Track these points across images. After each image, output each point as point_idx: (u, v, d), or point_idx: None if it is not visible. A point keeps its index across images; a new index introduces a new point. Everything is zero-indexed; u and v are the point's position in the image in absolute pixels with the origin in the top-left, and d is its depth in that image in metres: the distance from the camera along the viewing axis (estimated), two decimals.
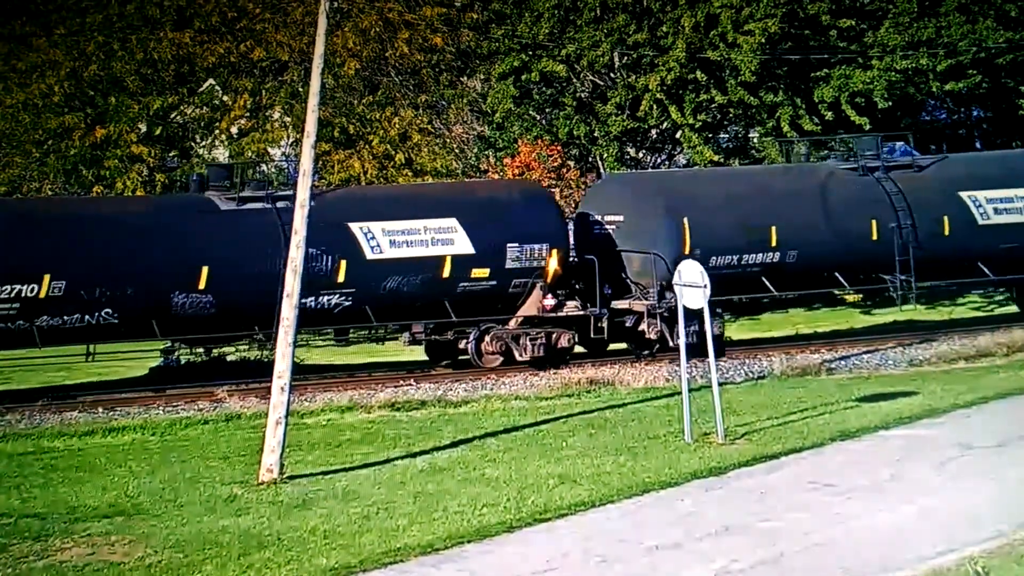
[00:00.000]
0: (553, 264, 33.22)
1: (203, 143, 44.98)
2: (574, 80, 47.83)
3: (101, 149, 42.00)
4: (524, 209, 34.09)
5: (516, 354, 33.08)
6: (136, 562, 16.96)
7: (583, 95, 48.00)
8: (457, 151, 48.14)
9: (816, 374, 31.59)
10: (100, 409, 28.79)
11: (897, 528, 17.40)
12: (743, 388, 29.91)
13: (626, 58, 46.96)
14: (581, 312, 33.42)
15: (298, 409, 27.20)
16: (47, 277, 29.03)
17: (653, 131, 48.59)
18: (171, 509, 19.73)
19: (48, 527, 18.75)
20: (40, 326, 29.25)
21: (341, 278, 31.59)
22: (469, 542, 17.37)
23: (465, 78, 50.39)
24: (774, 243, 34.74)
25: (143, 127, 43.27)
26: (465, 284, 32.79)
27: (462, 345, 33.56)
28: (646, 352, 34.21)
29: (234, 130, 44.45)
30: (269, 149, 44.14)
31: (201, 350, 33.97)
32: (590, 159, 48.25)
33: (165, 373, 33.70)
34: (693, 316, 33.59)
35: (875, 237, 35.67)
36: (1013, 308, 40.63)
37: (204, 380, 32.17)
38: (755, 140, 47.50)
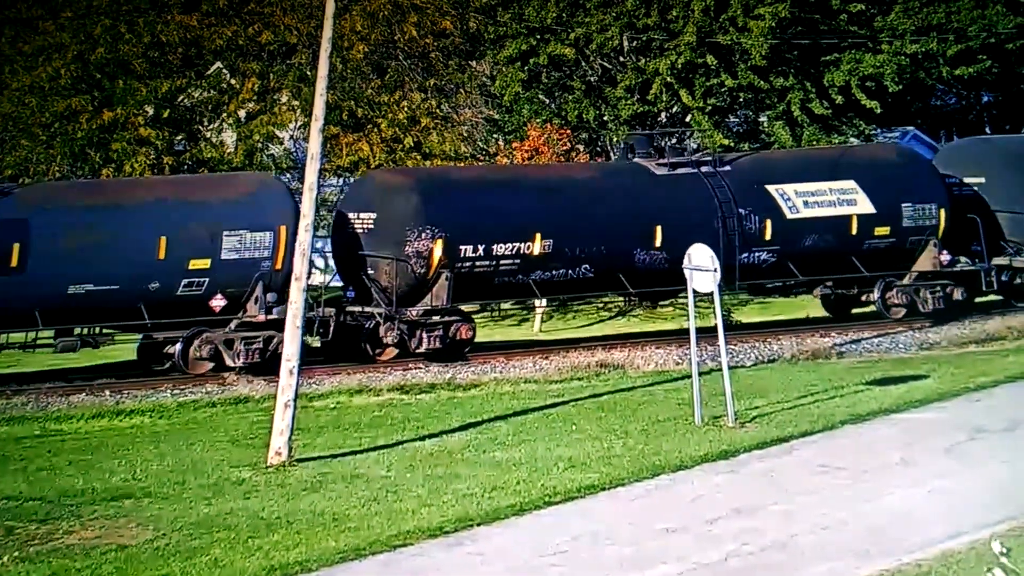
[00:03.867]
0: (944, 222, 35.72)
1: (211, 126, 44.90)
2: (583, 64, 47.69)
3: (108, 132, 41.92)
4: (911, 171, 36.98)
5: (919, 306, 35.94)
6: (144, 544, 16.88)
7: (592, 79, 47.86)
8: (466, 135, 48.02)
9: (827, 358, 31.52)
10: (107, 392, 28.70)
11: (908, 511, 17.32)
12: (754, 371, 29.82)
13: (635, 42, 46.80)
14: (972, 268, 36.11)
15: (307, 392, 27.14)
16: (538, 235, 32.24)
17: (663, 115, 48.44)
18: (179, 492, 19.66)
19: (55, 510, 18.67)
20: (534, 279, 32.43)
21: (768, 235, 34.57)
22: (479, 525, 17.29)
23: (474, 62, 50.25)
24: None
25: (150, 110, 43.17)
26: (869, 241, 35.75)
27: (864, 298, 36.42)
28: None
29: (242, 113, 44.34)
30: (277, 132, 44.06)
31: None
32: (600, 143, 48.12)
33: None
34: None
35: None
36: None
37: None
38: (765, 124, 47.37)
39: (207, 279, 30.14)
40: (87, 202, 30.51)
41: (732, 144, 45.58)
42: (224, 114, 44.38)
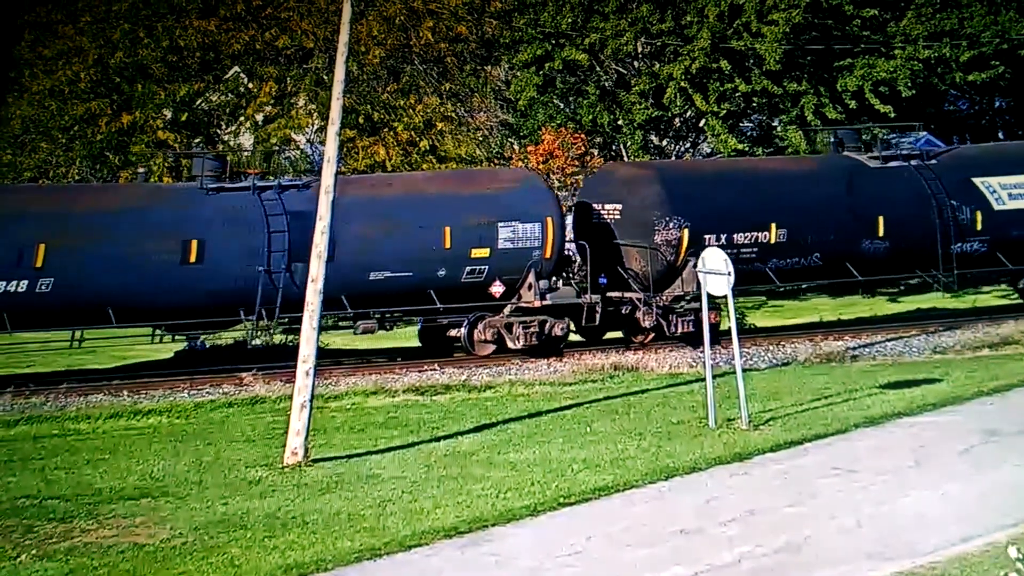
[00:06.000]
0: None
1: (228, 129, 45.07)
2: (597, 68, 47.80)
3: (127, 135, 42.13)
4: None
5: None
6: (161, 544, 16.97)
7: (607, 83, 47.96)
8: (481, 138, 48.15)
9: (840, 361, 31.55)
10: (125, 392, 28.82)
11: (921, 514, 17.37)
12: (767, 374, 29.87)
13: (650, 47, 46.90)
14: None
15: (323, 393, 27.22)
16: (773, 225, 34.20)
17: (677, 119, 48.52)
18: (196, 491, 19.75)
19: (72, 509, 18.76)
20: (771, 267, 34.41)
21: (979, 226, 36.53)
22: (493, 526, 17.37)
23: (489, 66, 50.37)
24: None
25: (169, 114, 43.36)
26: None
27: None
28: None
29: (259, 117, 44.51)
30: (294, 136, 44.21)
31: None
32: (614, 147, 48.21)
33: (190, 357, 33.80)
34: None
35: None
36: None
37: (230, 364, 32.23)
38: (778, 129, 47.44)
39: (487, 267, 32.54)
40: (383, 193, 32.22)
41: (745, 149, 45.69)
42: (242, 117, 44.57)
